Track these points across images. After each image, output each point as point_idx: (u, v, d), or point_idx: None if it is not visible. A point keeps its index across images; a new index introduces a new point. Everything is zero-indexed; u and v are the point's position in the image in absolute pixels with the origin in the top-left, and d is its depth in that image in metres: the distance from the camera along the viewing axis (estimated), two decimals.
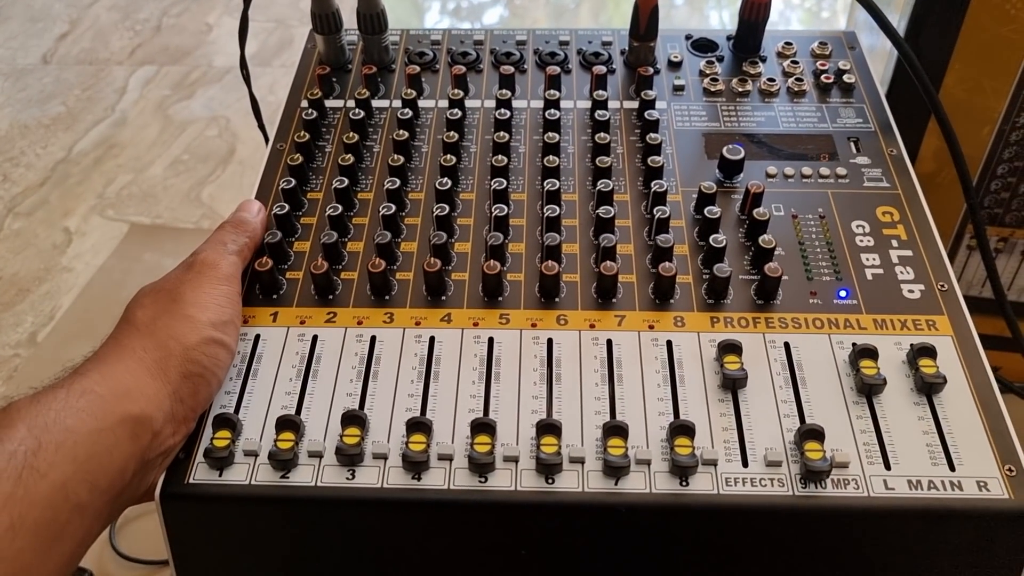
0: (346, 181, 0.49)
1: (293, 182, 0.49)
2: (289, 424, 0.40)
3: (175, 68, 1.27)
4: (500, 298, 0.45)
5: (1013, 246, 0.70)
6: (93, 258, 0.98)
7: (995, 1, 0.58)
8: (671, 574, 0.41)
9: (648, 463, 0.39)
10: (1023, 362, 0.65)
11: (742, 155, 0.50)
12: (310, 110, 0.54)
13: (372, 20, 0.56)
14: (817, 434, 0.39)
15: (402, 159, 0.50)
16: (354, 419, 0.40)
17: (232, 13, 1.40)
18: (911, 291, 0.45)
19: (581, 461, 0.39)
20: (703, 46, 0.60)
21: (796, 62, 0.58)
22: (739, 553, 0.40)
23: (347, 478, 0.39)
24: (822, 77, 0.57)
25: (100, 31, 1.37)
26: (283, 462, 0.39)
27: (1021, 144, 0.65)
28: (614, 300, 0.45)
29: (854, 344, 0.43)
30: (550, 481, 0.39)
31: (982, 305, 0.73)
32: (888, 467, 0.39)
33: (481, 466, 0.38)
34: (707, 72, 0.58)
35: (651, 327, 0.44)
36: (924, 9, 0.61)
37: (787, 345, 0.43)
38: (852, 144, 0.53)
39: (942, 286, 0.46)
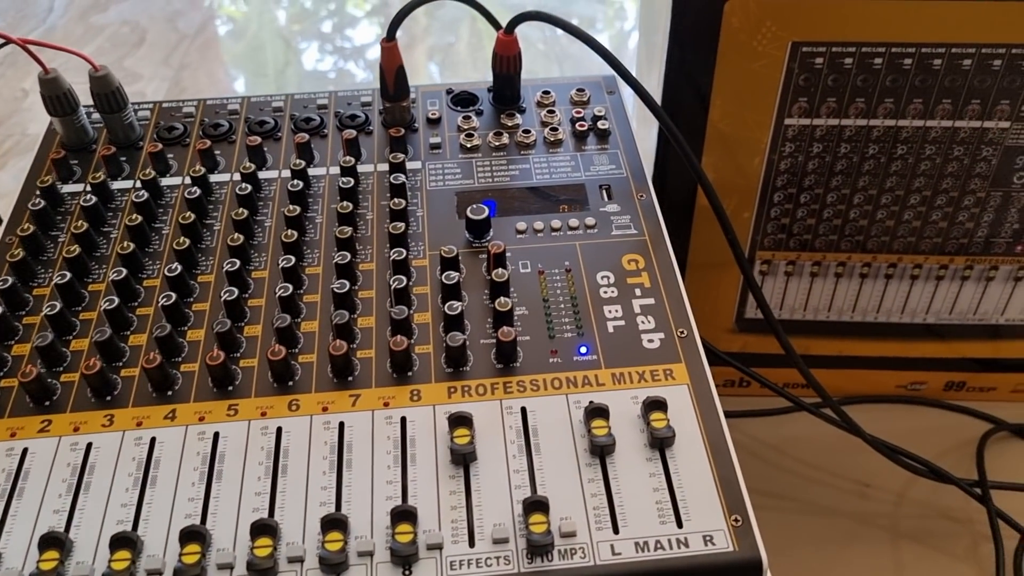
0: (68, 275, 0.46)
1: (10, 281, 0.46)
2: (53, 543, 0.37)
3: None
4: (173, 392, 0.43)
5: (801, 268, 0.72)
6: None
7: (742, 39, 0.60)
8: None
9: (371, 554, 0.37)
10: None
11: (485, 214, 0.50)
12: (38, 200, 0.51)
13: (107, 99, 0.54)
14: (542, 505, 0.38)
15: (133, 246, 0.48)
16: (125, 541, 0.37)
17: None
18: (651, 340, 0.45)
19: (300, 561, 0.37)
20: (463, 100, 0.59)
21: (553, 111, 0.58)
22: None
23: None
24: (577, 125, 0.57)
25: None
26: None
27: (791, 171, 0.66)
28: (350, 379, 0.44)
29: (591, 403, 0.42)
30: None
31: (791, 326, 0.75)
32: (616, 531, 0.38)
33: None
34: (464, 127, 0.57)
35: (386, 404, 0.43)
36: (679, 54, 0.62)
37: (523, 410, 0.42)
38: (604, 192, 0.53)
39: (681, 332, 0.46)
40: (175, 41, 1.40)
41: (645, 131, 0.75)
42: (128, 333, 0.46)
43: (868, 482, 0.73)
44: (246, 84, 1.33)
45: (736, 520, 0.39)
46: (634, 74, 0.54)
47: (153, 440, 0.41)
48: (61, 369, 0.44)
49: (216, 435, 0.41)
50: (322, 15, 1.45)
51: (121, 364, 0.44)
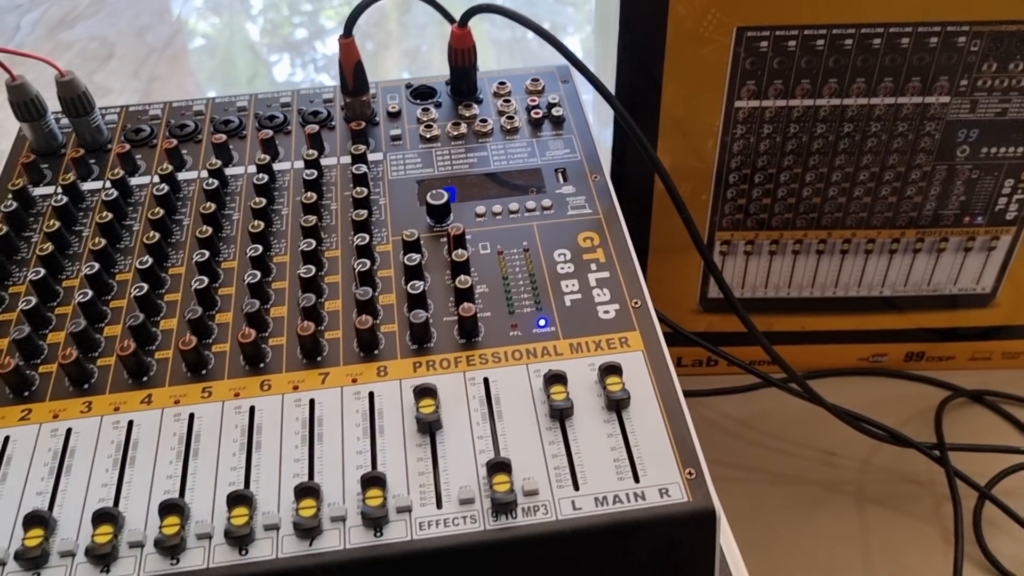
0: (42, 272, 0.48)
1: None
2: (37, 521, 0.38)
3: None
4: (148, 378, 0.45)
5: (760, 247, 0.74)
6: None
7: (688, 26, 0.62)
8: None
9: (343, 519, 0.39)
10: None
11: (445, 199, 0.51)
12: (10, 201, 0.52)
13: (73, 103, 0.55)
14: (504, 466, 0.40)
15: (104, 242, 0.50)
16: (106, 516, 0.39)
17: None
18: (607, 311, 0.47)
19: (276, 528, 0.39)
20: (422, 94, 0.61)
21: (509, 100, 0.60)
22: None
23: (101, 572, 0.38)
24: (532, 112, 0.59)
25: None
26: (31, 560, 0.37)
27: (744, 153, 0.69)
28: (319, 359, 0.45)
29: (549, 371, 0.44)
30: (243, 552, 0.38)
31: (753, 304, 0.78)
32: (577, 487, 0.40)
33: (170, 549, 0.38)
34: (423, 119, 0.59)
35: (354, 380, 0.44)
36: (630, 43, 0.64)
37: (486, 380, 0.44)
38: (559, 175, 0.55)
39: (635, 303, 0.48)
40: (144, 54, 1.42)
41: (602, 126, 0.78)
42: (103, 325, 0.47)
43: (834, 451, 0.76)
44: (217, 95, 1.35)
45: (690, 473, 0.41)
46: (592, 68, 0.56)
47: (131, 423, 0.43)
48: (39, 361, 0.46)
49: (191, 416, 0.43)
50: (296, 22, 1.47)
51: (97, 354, 0.46)
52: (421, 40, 1.38)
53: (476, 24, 0.58)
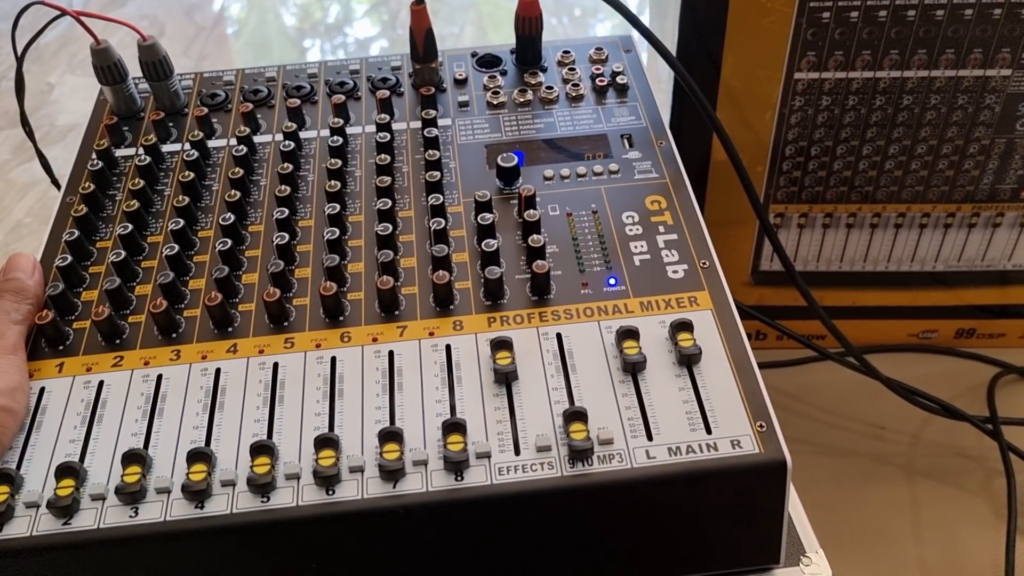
0: (130, 227, 0.50)
1: (76, 233, 0.50)
2: (69, 471, 0.40)
3: (15, 131, 1.25)
4: (232, 328, 0.47)
5: (814, 220, 0.75)
6: None
7: None
8: (461, 567, 0.42)
9: (425, 463, 0.41)
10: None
11: (515, 162, 0.53)
12: (96, 160, 0.54)
13: (154, 67, 0.57)
14: (580, 415, 0.41)
15: (188, 200, 0.51)
16: (135, 457, 0.40)
17: (75, 71, 1.38)
18: (675, 271, 0.48)
19: (361, 470, 0.41)
20: (487, 62, 0.63)
21: (574, 69, 0.61)
22: (521, 536, 0.42)
23: (130, 516, 0.39)
24: (597, 80, 0.60)
25: None
26: (63, 508, 0.39)
27: (802, 125, 0.69)
28: (397, 312, 0.47)
29: (621, 327, 0.45)
30: (331, 492, 0.40)
31: (805, 277, 0.78)
32: (651, 438, 0.41)
33: (260, 487, 0.40)
34: (490, 86, 0.60)
35: (431, 334, 0.46)
36: (691, 14, 0.65)
37: (559, 336, 0.46)
38: (625, 141, 0.56)
39: (703, 263, 0.49)
40: (193, 33, 1.44)
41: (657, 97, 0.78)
42: (188, 278, 0.49)
43: (883, 424, 0.76)
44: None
45: (761, 426, 0.42)
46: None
47: (218, 371, 0.45)
48: (128, 312, 0.48)
49: (276, 365, 0.45)
50: (326, 6, 1.48)
51: (184, 306, 0.48)
52: (456, 27, 1.39)
53: None
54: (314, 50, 1.43)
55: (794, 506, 0.47)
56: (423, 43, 0.58)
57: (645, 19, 0.87)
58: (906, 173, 0.72)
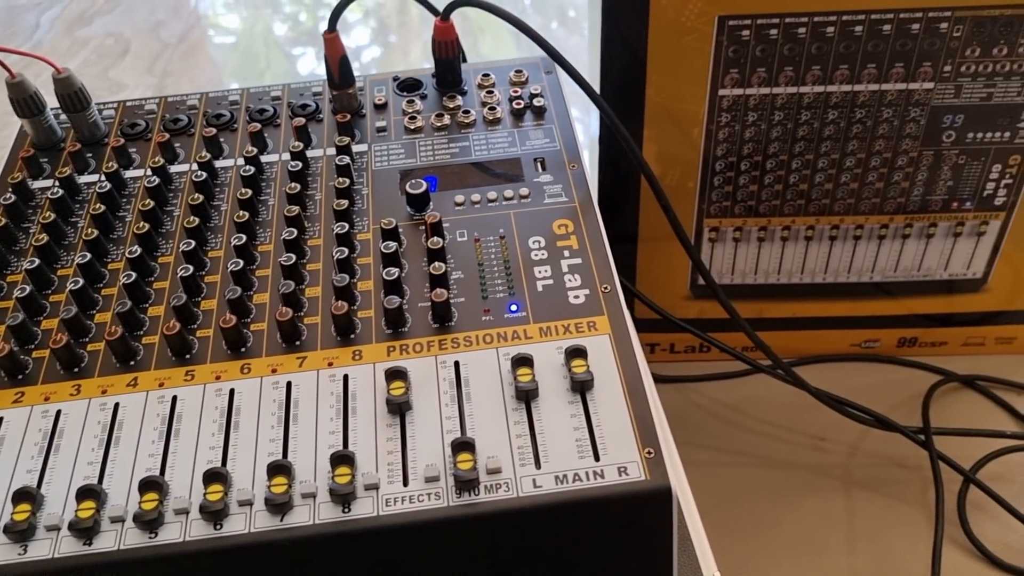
0: (37, 261, 0.50)
1: None
2: (25, 496, 0.41)
3: None
4: (132, 363, 0.47)
5: (748, 234, 0.75)
6: None
7: (671, 16, 0.63)
8: None
9: (313, 496, 0.41)
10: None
11: (424, 188, 0.53)
12: (9, 194, 0.55)
13: (70, 99, 0.57)
14: (468, 446, 0.41)
15: (97, 232, 0.52)
16: (90, 492, 0.41)
17: None
18: (576, 296, 0.49)
19: (249, 503, 0.41)
20: (408, 86, 0.63)
21: (492, 92, 0.61)
22: (410, 568, 0.42)
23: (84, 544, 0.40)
24: (514, 103, 0.60)
25: None
26: (19, 533, 0.40)
27: (730, 141, 0.70)
28: (298, 343, 0.47)
29: (517, 353, 0.46)
30: (218, 527, 0.40)
31: (744, 290, 0.78)
32: (539, 466, 0.42)
33: (148, 523, 0.40)
34: (408, 111, 0.61)
35: (330, 364, 0.46)
36: (613, 33, 0.65)
37: (456, 364, 0.46)
38: (538, 164, 0.56)
39: (605, 288, 0.49)
40: (158, 50, 1.44)
41: (593, 113, 0.79)
42: (94, 312, 0.49)
43: (823, 436, 0.77)
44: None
45: (649, 453, 0.42)
46: (587, 58, 0.57)
47: (116, 405, 0.45)
48: (33, 347, 0.48)
49: (174, 398, 0.45)
50: (320, 16, 1.48)
51: (88, 340, 0.48)
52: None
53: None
54: (305, 58, 1.43)
55: (695, 529, 0.47)
56: (338, 70, 0.58)
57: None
58: (836, 186, 0.72)
